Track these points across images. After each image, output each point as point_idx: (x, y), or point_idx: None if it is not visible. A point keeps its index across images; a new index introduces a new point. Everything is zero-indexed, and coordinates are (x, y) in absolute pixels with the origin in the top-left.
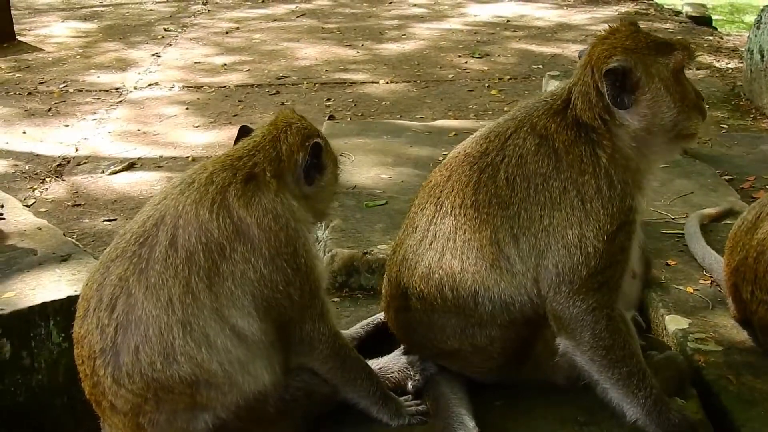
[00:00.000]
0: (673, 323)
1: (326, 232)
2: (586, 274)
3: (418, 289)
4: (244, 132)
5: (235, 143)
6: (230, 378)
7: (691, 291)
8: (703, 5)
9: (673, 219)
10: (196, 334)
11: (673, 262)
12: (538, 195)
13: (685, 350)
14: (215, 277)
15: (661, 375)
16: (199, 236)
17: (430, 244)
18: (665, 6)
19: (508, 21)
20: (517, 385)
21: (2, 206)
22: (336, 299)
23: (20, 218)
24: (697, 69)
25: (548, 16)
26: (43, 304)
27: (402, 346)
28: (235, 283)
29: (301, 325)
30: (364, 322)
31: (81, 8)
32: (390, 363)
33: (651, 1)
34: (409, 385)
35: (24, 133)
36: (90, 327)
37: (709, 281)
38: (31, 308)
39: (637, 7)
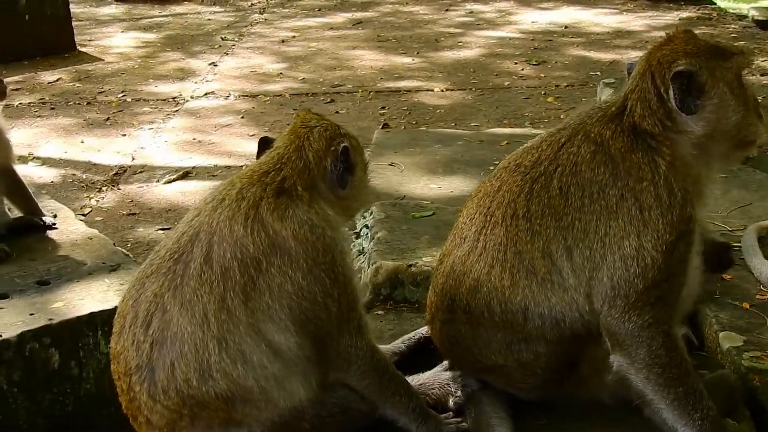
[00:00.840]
0: (728, 340)
1: (371, 243)
2: (643, 287)
3: (465, 301)
4: (264, 144)
5: (257, 157)
6: (266, 394)
7: (747, 307)
8: None
9: (730, 231)
10: (231, 351)
11: (729, 277)
12: (594, 204)
13: (739, 369)
14: (251, 292)
15: (712, 395)
16: (234, 252)
17: (479, 256)
18: (729, 10)
19: (565, 27)
20: (562, 404)
21: (55, 216)
22: (380, 312)
23: (72, 228)
24: (761, 74)
25: (606, 22)
26: (92, 314)
27: (444, 362)
28: (272, 296)
29: (337, 339)
30: (406, 336)
31: (141, 19)
32: (431, 379)
33: (714, 6)
34: (450, 402)
35: (82, 142)
36: (126, 343)
37: (767, 296)
38: (80, 318)
39: (700, 12)
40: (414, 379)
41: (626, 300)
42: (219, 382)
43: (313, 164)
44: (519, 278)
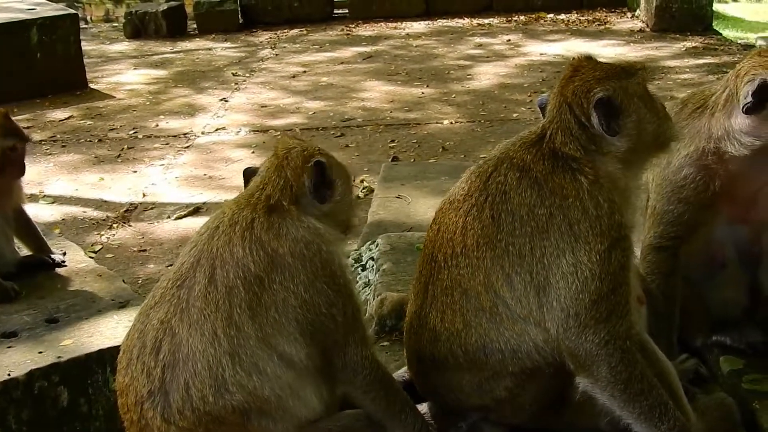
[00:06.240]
0: (728, 364)
1: (376, 275)
2: (590, 302)
3: (428, 353)
4: (249, 174)
5: (245, 186)
6: (282, 403)
7: None
8: None
9: None
10: (245, 364)
11: None
12: (525, 226)
13: (739, 392)
14: (257, 307)
15: (710, 416)
16: (237, 272)
17: (431, 306)
18: (737, 40)
19: (575, 57)
20: (567, 430)
21: (64, 253)
22: (385, 343)
23: (81, 265)
24: None
25: (614, 53)
26: (101, 351)
27: None
28: (278, 311)
29: (344, 349)
30: None
31: (152, 55)
32: (434, 408)
33: (719, 36)
34: None
35: (102, 179)
36: (135, 373)
37: None
38: (89, 355)
39: (705, 42)
40: (418, 408)
41: (577, 319)
42: (235, 395)
43: (292, 180)
44: (470, 318)
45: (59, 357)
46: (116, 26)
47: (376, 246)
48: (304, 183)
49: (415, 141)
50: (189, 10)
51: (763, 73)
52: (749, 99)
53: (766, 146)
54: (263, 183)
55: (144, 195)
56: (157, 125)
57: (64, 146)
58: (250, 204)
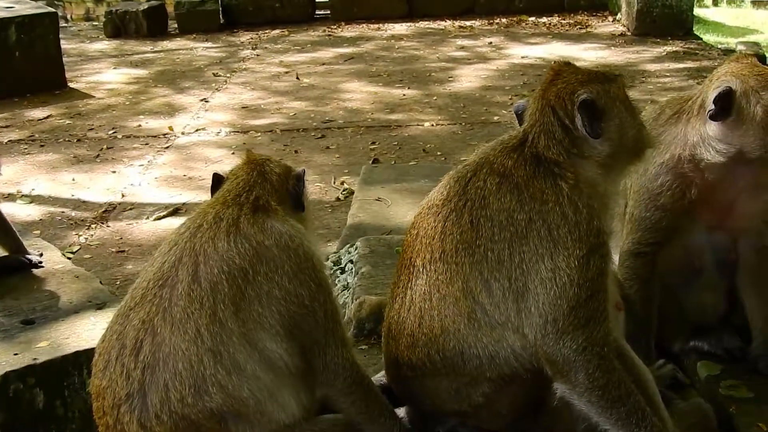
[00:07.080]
0: (705, 369)
1: (355, 278)
2: (568, 308)
3: (406, 358)
4: (218, 179)
5: (212, 190)
6: (259, 406)
7: None
8: (757, 44)
9: None
10: (226, 362)
11: None
12: (504, 232)
13: (716, 397)
14: (241, 302)
15: (686, 421)
16: (222, 266)
17: (409, 311)
18: (717, 45)
19: (555, 62)
20: None
21: (41, 254)
22: (363, 347)
23: (58, 266)
24: None
25: (594, 56)
26: (77, 353)
27: None
28: (262, 304)
29: (324, 349)
30: None
31: (132, 55)
32: (411, 414)
33: (700, 41)
34: None
35: (73, 180)
36: (113, 376)
37: None
38: (65, 357)
39: (686, 46)
40: (396, 412)
41: (555, 325)
42: (214, 396)
43: (277, 186)
44: (447, 324)
45: (35, 359)
46: (96, 25)
47: (355, 249)
48: (287, 190)
49: (395, 143)
50: (170, 9)
51: (731, 80)
52: (711, 106)
53: (740, 153)
54: (249, 185)
55: (123, 195)
56: (137, 125)
57: (42, 146)
58: (237, 203)
